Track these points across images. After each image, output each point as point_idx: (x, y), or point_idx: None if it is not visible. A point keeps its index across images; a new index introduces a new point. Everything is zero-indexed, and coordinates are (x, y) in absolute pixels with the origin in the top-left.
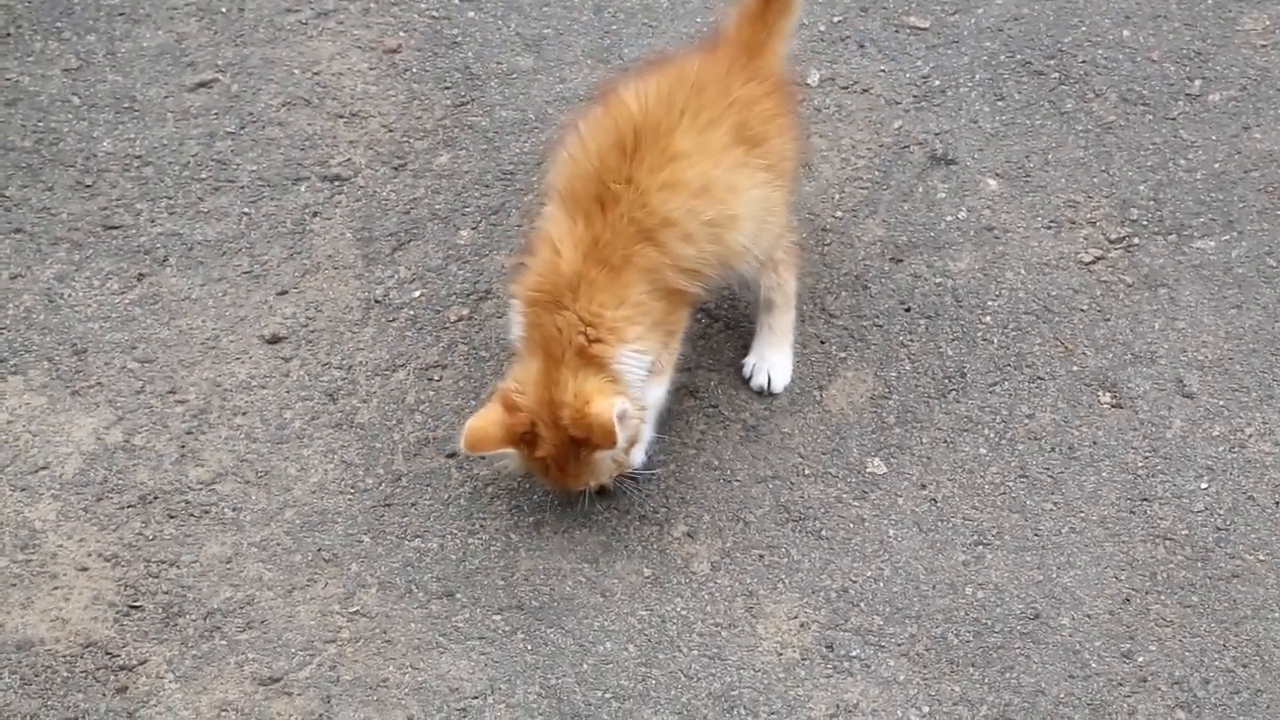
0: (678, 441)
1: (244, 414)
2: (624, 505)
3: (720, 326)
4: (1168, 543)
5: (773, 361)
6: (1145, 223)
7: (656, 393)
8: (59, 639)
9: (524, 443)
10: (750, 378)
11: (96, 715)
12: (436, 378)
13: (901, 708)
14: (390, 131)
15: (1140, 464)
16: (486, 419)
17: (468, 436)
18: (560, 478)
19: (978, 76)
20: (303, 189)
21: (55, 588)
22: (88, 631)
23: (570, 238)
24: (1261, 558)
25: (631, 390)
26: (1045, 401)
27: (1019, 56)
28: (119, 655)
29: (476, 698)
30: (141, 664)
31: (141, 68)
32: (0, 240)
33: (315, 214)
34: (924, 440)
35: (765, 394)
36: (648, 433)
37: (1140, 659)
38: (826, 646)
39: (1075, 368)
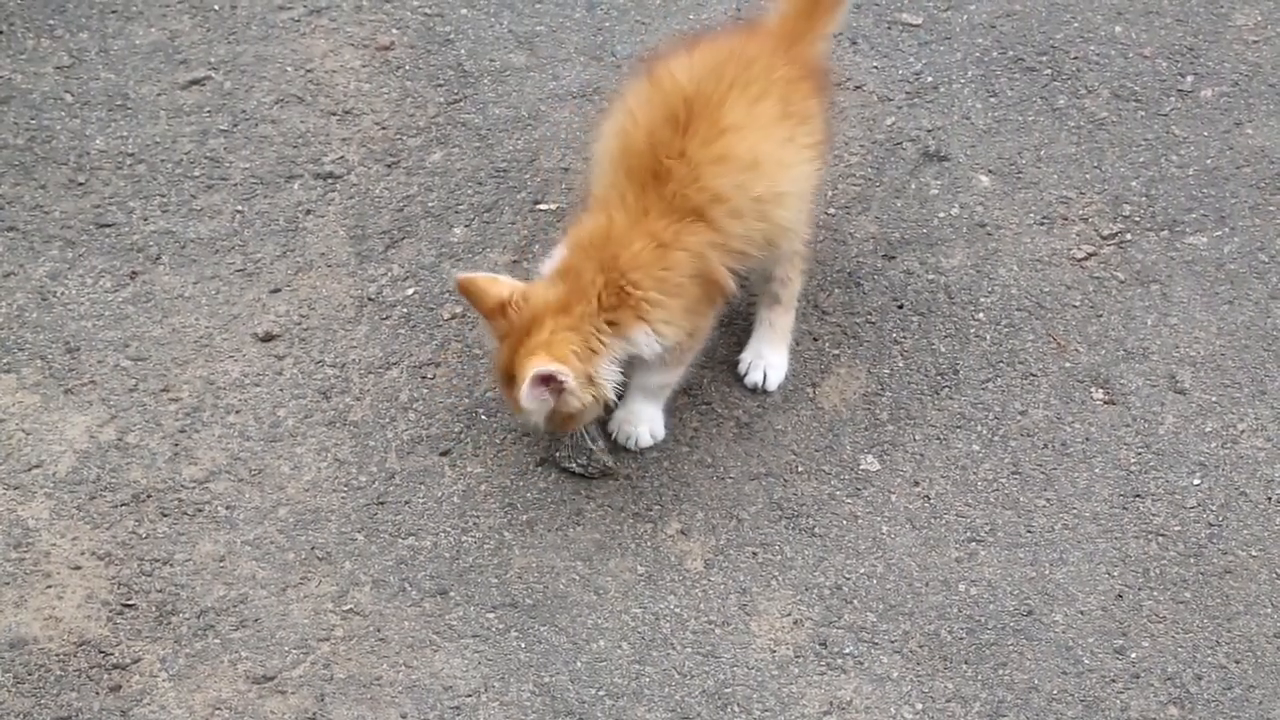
0: (671, 438)
1: (237, 412)
2: (617, 503)
3: (713, 322)
4: (1160, 539)
5: (770, 359)
6: (1137, 219)
7: (661, 379)
8: (52, 637)
9: (495, 319)
10: (745, 374)
11: (90, 714)
12: (430, 375)
13: (895, 705)
14: (383, 129)
15: (1133, 460)
16: (491, 283)
17: (464, 279)
18: (501, 386)
19: (970, 73)
20: (296, 186)
21: (48, 586)
22: (81, 630)
23: (623, 208)
24: (1254, 553)
25: (607, 367)
26: (1038, 398)
27: (1011, 53)
28: (112, 654)
29: (470, 696)
30: (135, 662)
31: (134, 65)
32: None
33: (308, 212)
34: (917, 437)
35: (759, 391)
36: (657, 414)
37: (1133, 655)
38: (820, 643)
39: (1068, 364)
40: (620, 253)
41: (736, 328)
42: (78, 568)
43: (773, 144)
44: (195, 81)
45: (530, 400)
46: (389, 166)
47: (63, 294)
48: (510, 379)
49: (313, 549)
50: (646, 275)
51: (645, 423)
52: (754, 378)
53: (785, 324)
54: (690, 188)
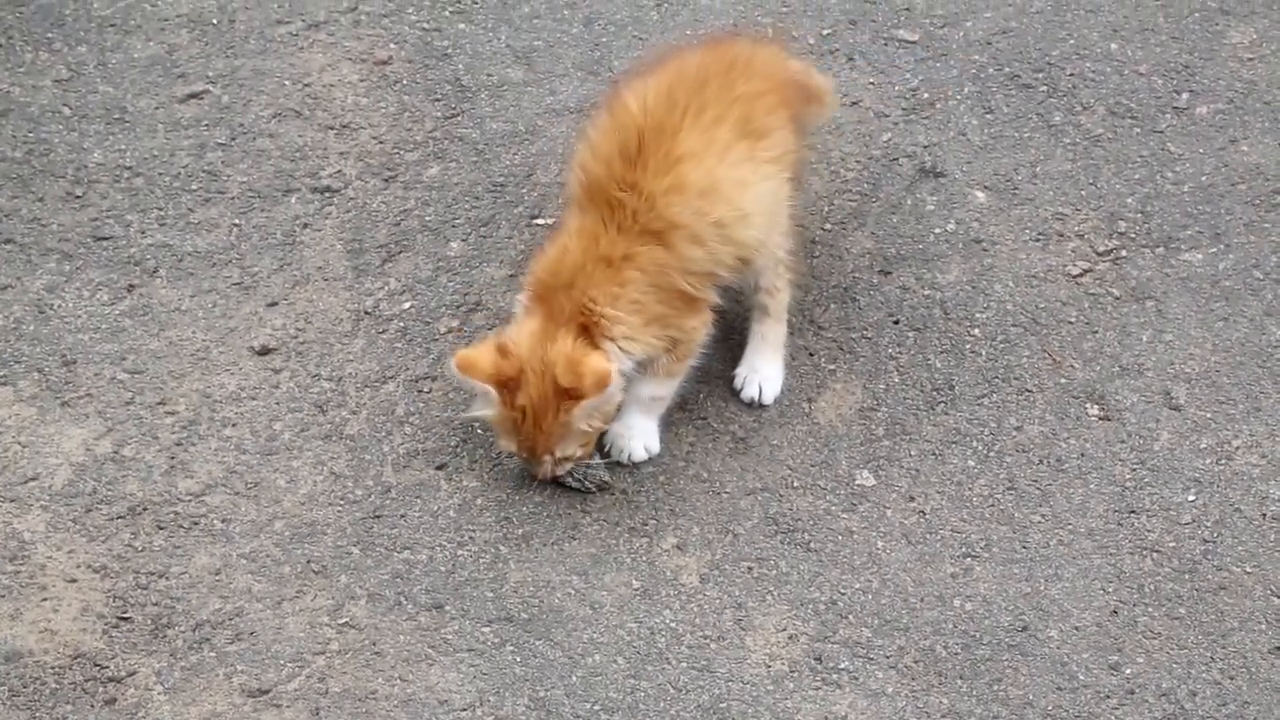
0: (667, 453)
1: (233, 425)
2: (613, 518)
3: (710, 338)
4: (1155, 555)
5: (764, 373)
6: (1133, 235)
7: (652, 391)
8: (48, 650)
9: (506, 388)
10: (741, 389)
11: None
12: (426, 389)
13: None
14: (380, 143)
15: (1128, 476)
16: (480, 351)
17: (459, 360)
18: (531, 433)
19: (966, 89)
20: (293, 200)
21: (44, 599)
22: (76, 643)
23: (578, 235)
24: (1249, 570)
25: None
26: (1033, 414)
27: (1007, 69)
28: (108, 667)
29: (465, 710)
30: (130, 675)
31: (132, 79)
32: None
33: (305, 225)
34: (912, 452)
35: (755, 405)
36: (651, 428)
37: (1128, 671)
38: (815, 658)
39: (1063, 380)
40: (577, 276)
41: (732, 343)
42: (73, 580)
43: (729, 166)
44: (193, 95)
45: (608, 392)
46: (386, 180)
47: (60, 307)
48: (548, 409)
49: (308, 562)
50: (601, 293)
51: (639, 437)
52: (749, 392)
53: (777, 336)
54: (645, 217)
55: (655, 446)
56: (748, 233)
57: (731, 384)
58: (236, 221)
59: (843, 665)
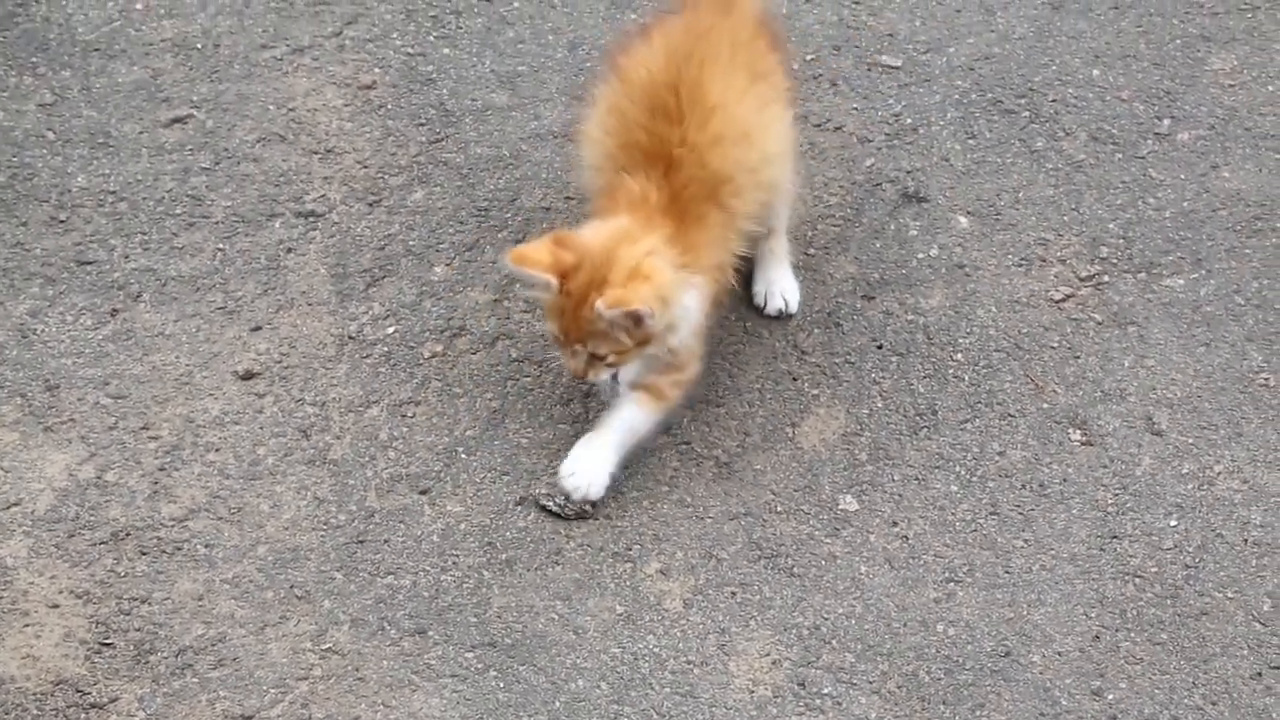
0: (651, 479)
1: (217, 450)
2: (597, 543)
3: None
4: (1137, 580)
5: (783, 284)
6: (1115, 261)
7: (633, 417)
8: (29, 676)
9: (565, 277)
10: (765, 305)
11: None
12: (410, 414)
13: None
14: (365, 168)
15: (1110, 501)
16: (535, 246)
17: (514, 255)
18: (569, 320)
19: (949, 115)
20: (277, 225)
21: (26, 625)
22: (59, 669)
23: (648, 195)
24: (1230, 595)
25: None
26: (1016, 439)
27: (990, 95)
28: (89, 693)
29: None
30: (112, 701)
31: (116, 103)
32: None
33: (289, 250)
34: (895, 477)
35: (784, 316)
36: (602, 468)
37: (1110, 696)
38: (798, 684)
39: (1045, 405)
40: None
41: (714, 366)
42: (56, 606)
43: (753, 111)
44: (177, 120)
45: (656, 313)
46: (370, 205)
47: (43, 331)
48: (575, 314)
49: (291, 588)
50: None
51: (588, 475)
52: (775, 304)
53: (782, 247)
54: (700, 171)
55: (600, 491)
56: (776, 173)
57: (753, 303)
58: (220, 246)
59: (826, 690)
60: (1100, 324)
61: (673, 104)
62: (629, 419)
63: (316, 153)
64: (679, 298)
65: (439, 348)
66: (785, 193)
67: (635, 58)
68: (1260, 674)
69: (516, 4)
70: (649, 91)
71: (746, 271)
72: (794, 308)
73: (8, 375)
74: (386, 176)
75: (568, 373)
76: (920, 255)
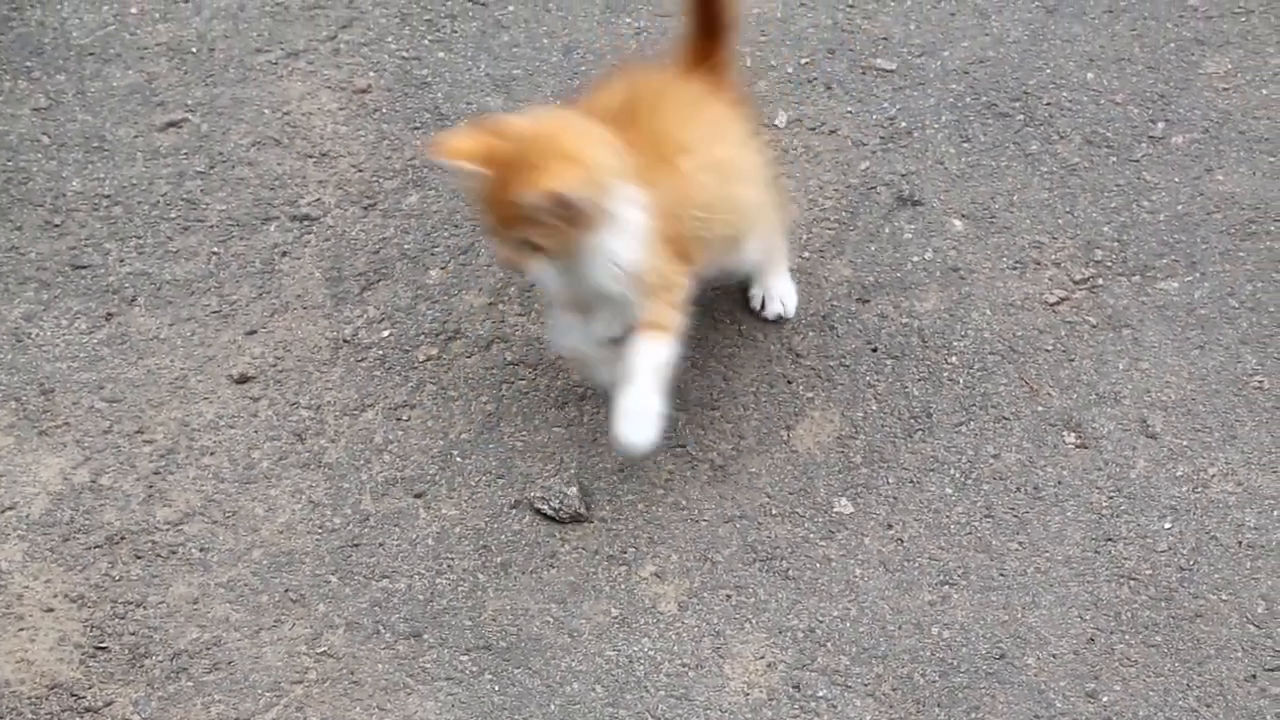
0: (646, 482)
1: (212, 454)
2: (591, 545)
3: (687, 365)
4: (1132, 582)
5: (780, 289)
6: (1109, 264)
7: (649, 355)
8: (24, 680)
9: (494, 164)
10: (762, 308)
11: None
12: (405, 417)
13: None
14: (360, 171)
15: (1105, 504)
16: (465, 134)
17: (439, 145)
18: (501, 208)
19: (944, 118)
20: (272, 228)
21: (21, 629)
22: (53, 673)
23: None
24: (1224, 597)
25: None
26: (1010, 441)
27: (984, 99)
28: (84, 697)
29: None
30: (107, 705)
31: (111, 107)
32: None
33: (284, 254)
34: (890, 480)
35: (781, 320)
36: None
37: (1105, 699)
38: (793, 686)
39: (1040, 408)
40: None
41: (709, 369)
42: (50, 610)
43: (732, 146)
44: (172, 124)
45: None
46: (365, 209)
47: (38, 335)
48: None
49: (286, 591)
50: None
51: (642, 426)
52: (774, 308)
53: (782, 252)
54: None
55: (655, 436)
56: (748, 198)
57: (750, 307)
58: (215, 250)
59: (821, 693)
60: (1095, 327)
61: (631, 112)
62: (649, 358)
63: (311, 156)
64: (618, 193)
65: (434, 351)
66: (767, 218)
67: (597, 104)
68: (1254, 676)
69: (511, 8)
70: (611, 108)
71: (742, 276)
72: (791, 312)
73: (2, 379)
74: (381, 180)
75: (498, 262)
76: (915, 258)
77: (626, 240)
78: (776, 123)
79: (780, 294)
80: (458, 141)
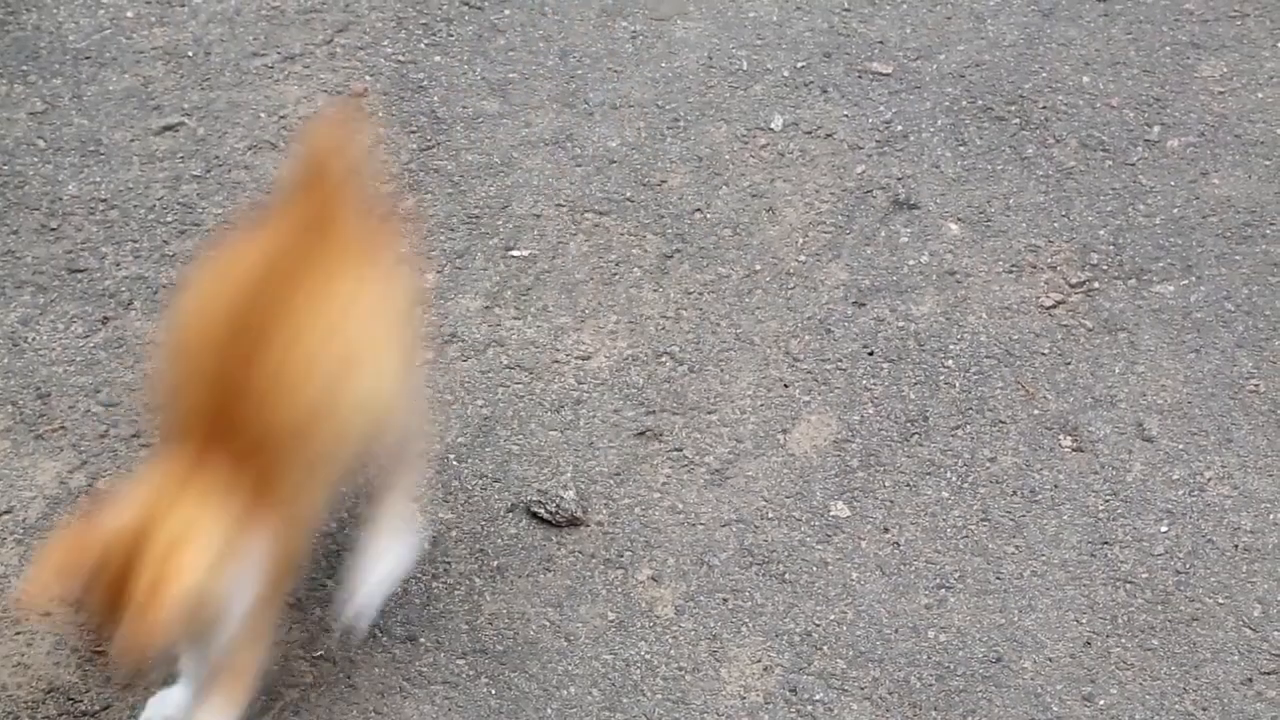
0: (642, 486)
1: None
2: (588, 549)
3: (684, 370)
4: (1128, 586)
5: (390, 537)
6: (1105, 267)
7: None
8: (20, 684)
9: (88, 586)
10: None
11: None
12: None
13: None
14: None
15: (1101, 507)
16: (43, 568)
17: (20, 597)
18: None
19: (939, 122)
20: None
21: (18, 633)
22: (50, 677)
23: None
24: (1221, 601)
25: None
26: (1007, 445)
27: (980, 102)
28: (81, 701)
29: None
30: (104, 710)
31: (107, 111)
32: None
33: None
34: (887, 484)
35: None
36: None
37: (1101, 702)
38: (790, 690)
39: (1036, 411)
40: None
41: (707, 374)
42: (48, 614)
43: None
44: (168, 127)
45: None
46: None
47: (34, 340)
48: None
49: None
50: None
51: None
52: (346, 614)
53: (399, 513)
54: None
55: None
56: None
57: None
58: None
59: (817, 697)
60: (1091, 330)
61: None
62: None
63: None
64: (223, 587)
65: (430, 355)
66: (403, 429)
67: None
68: (1251, 679)
69: (507, 11)
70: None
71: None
72: (365, 624)
73: None
74: (377, 184)
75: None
76: (911, 262)
77: (237, 612)
78: (772, 126)
79: (384, 550)
80: (38, 582)
